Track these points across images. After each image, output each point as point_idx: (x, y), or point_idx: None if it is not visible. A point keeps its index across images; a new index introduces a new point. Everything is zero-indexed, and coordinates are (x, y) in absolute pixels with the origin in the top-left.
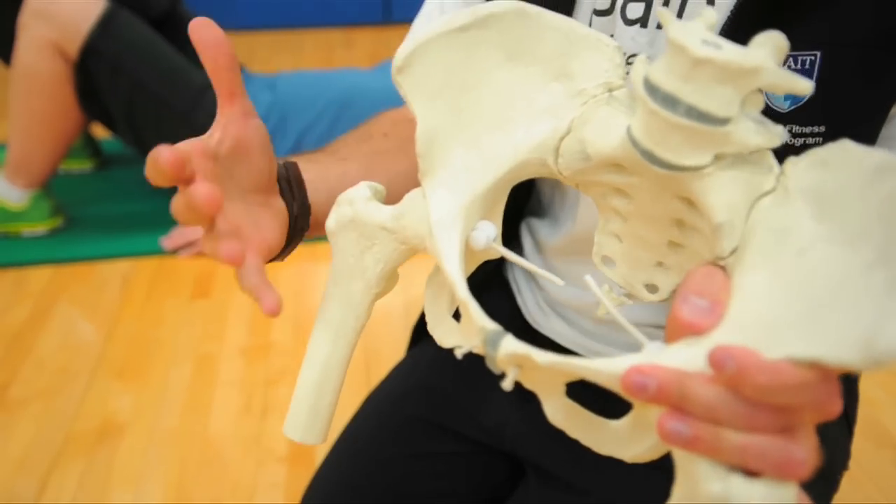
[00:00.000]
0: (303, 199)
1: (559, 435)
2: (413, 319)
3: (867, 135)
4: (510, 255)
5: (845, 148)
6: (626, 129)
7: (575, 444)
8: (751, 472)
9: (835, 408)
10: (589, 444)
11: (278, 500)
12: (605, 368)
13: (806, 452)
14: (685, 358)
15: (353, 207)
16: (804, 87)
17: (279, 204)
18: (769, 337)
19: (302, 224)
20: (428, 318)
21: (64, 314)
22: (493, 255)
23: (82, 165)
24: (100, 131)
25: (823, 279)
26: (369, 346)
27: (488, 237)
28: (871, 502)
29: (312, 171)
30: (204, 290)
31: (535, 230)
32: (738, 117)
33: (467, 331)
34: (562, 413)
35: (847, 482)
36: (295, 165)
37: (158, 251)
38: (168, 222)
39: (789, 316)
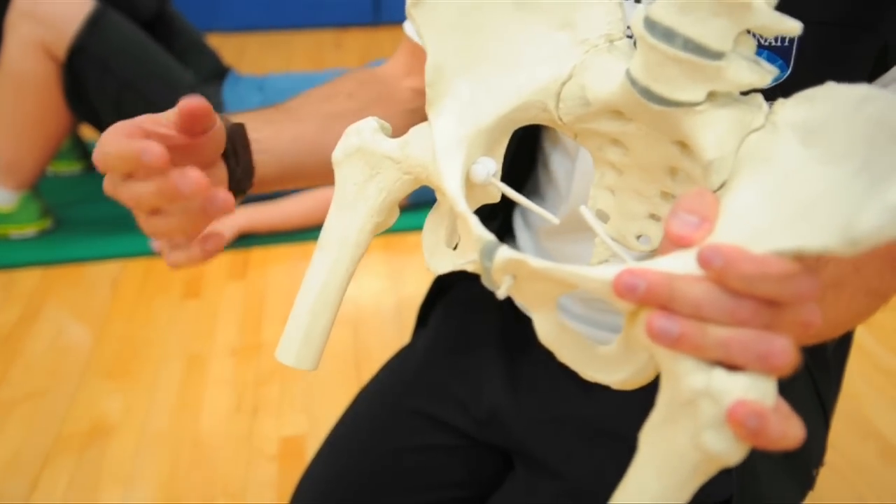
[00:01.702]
0: (247, 161)
1: (548, 423)
2: (405, 319)
3: None
4: (508, 191)
5: (830, 86)
6: (625, 72)
7: (562, 432)
8: (734, 369)
9: (815, 314)
10: (577, 367)
11: (269, 498)
12: (597, 275)
13: (787, 343)
14: (674, 263)
15: (360, 137)
16: (792, 27)
17: (221, 170)
18: (755, 238)
19: (245, 185)
20: (425, 250)
21: (53, 316)
22: (492, 196)
23: (71, 168)
24: (89, 133)
25: (808, 191)
26: (360, 345)
27: (488, 171)
28: (855, 493)
29: (265, 130)
30: (194, 290)
31: (529, 213)
32: (731, 55)
33: (465, 246)
34: (553, 332)
35: (832, 474)
36: (242, 127)
37: (148, 252)
38: None
39: (775, 222)
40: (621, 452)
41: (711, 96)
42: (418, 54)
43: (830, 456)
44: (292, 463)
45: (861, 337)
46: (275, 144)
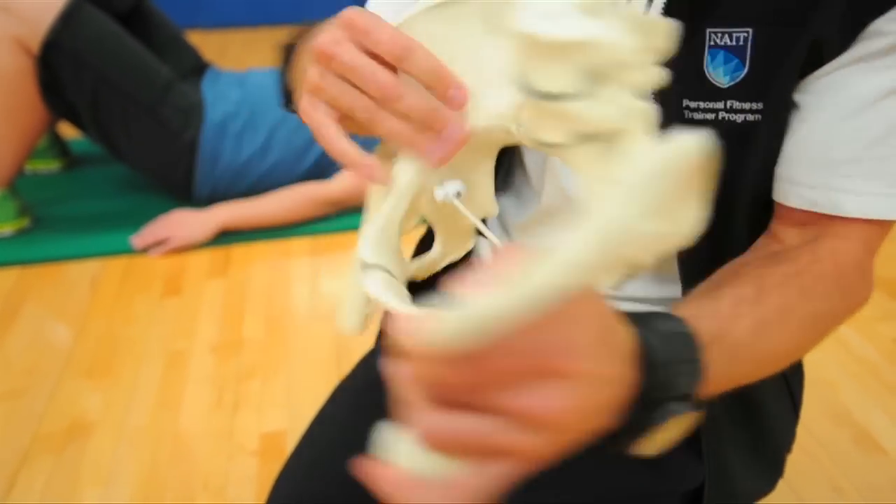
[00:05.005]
0: None
1: None
2: None
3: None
4: (464, 211)
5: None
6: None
7: None
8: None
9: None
10: None
11: (250, 493)
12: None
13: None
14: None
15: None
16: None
17: None
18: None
19: None
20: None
21: (32, 315)
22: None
23: (49, 166)
24: (68, 131)
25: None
26: (340, 340)
27: (446, 193)
28: (828, 478)
29: None
30: (174, 287)
31: (502, 209)
32: (589, 94)
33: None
34: None
35: (806, 459)
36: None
37: (128, 250)
38: (137, 221)
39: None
40: (591, 454)
41: (581, 136)
42: None
43: (805, 442)
44: (273, 458)
45: None
46: None
